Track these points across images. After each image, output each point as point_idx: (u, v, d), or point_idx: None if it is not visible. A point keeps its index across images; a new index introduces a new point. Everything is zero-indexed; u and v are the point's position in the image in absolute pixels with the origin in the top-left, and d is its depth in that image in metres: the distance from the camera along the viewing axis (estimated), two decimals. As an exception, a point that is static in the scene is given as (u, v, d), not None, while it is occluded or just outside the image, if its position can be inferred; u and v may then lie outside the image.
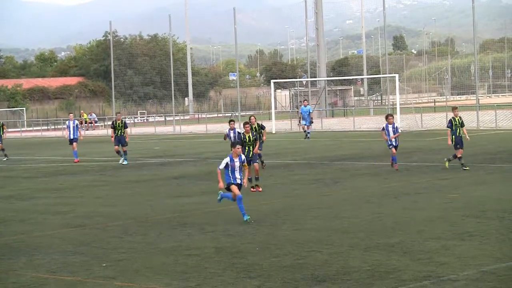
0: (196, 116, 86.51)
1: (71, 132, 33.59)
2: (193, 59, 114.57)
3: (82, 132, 40.54)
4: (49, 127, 79.92)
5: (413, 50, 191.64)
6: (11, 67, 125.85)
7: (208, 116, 77.27)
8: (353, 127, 51.52)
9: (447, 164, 23.38)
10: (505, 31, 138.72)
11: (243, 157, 15.40)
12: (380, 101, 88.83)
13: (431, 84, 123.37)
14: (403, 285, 9.83)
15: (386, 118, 24.33)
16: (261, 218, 15.34)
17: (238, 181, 15.28)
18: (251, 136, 20.67)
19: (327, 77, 77.12)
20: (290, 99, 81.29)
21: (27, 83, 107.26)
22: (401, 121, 46.85)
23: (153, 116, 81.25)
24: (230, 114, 69.33)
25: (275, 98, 58.83)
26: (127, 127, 31.07)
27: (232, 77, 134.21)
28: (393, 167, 23.76)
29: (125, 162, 30.33)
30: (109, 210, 17.87)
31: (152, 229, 14.88)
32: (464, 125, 23.83)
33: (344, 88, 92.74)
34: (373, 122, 54.45)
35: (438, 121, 50.89)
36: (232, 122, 25.57)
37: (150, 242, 13.47)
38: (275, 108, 57.54)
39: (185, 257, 12.04)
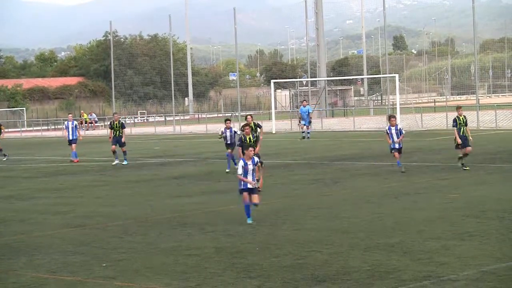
0: (196, 116, 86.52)
1: (70, 133, 33.55)
2: (193, 59, 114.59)
3: (82, 132, 40.57)
4: (49, 127, 79.93)
5: (413, 50, 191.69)
6: (11, 67, 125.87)
7: (208, 116, 77.28)
8: (353, 127, 51.52)
9: (465, 168, 22.94)
10: (505, 31, 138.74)
11: (256, 159, 15.28)
12: (380, 101, 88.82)
13: (431, 84, 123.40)
14: (403, 285, 9.82)
15: (389, 119, 23.81)
16: (261, 218, 15.34)
17: (250, 186, 15.05)
18: (251, 138, 20.66)
19: (327, 77, 77.12)
20: (290, 99, 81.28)
21: (27, 83, 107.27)
22: (401, 121, 46.78)
23: (153, 116, 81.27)
24: (230, 114, 69.30)
25: (275, 98, 58.83)
26: (124, 128, 31.08)
27: (232, 77, 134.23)
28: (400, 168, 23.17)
29: (125, 162, 30.34)
30: (109, 210, 17.88)
31: (152, 229, 14.88)
32: (467, 125, 23.64)
33: (344, 88, 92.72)
34: (373, 122, 54.46)
35: (438, 121, 50.89)
36: (228, 121, 25.70)
37: (150, 242, 13.47)
38: (275, 108, 57.54)
39: (185, 257, 12.04)
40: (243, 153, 20.80)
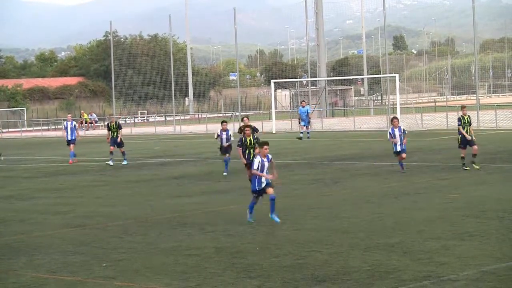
0: (196, 116, 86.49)
1: (69, 133, 33.46)
2: (193, 59, 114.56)
3: (82, 132, 40.56)
4: (49, 127, 79.91)
5: (413, 50, 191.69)
6: (11, 67, 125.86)
7: (208, 116, 77.25)
8: (353, 127, 51.51)
9: (477, 166, 22.72)
10: (505, 31, 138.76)
11: (270, 156, 15.24)
12: (380, 101, 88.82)
13: (431, 84, 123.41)
14: (403, 285, 9.83)
15: (391, 121, 23.51)
16: (261, 218, 15.34)
17: (263, 184, 15.00)
18: (252, 139, 20.62)
19: (327, 77, 77.09)
20: (290, 99, 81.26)
21: (27, 83, 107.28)
22: (402, 121, 46.69)
23: (153, 116, 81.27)
24: (230, 114, 69.30)
25: (275, 98, 58.81)
26: (121, 128, 31.05)
27: (232, 77, 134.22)
28: (403, 169, 22.94)
29: (124, 162, 30.36)
30: (109, 210, 17.88)
31: (152, 229, 14.88)
32: (471, 124, 23.59)
33: (344, 88, 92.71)
34: (374, 122, 54.46)
35: (439, 121, 50.87)
36: (224, 123, 25.48)
37: (150, 242, 13.47)
38: (275, 108, 57.53)
39: (185, 257, 12.04)
40: (244, 154, 20.86)
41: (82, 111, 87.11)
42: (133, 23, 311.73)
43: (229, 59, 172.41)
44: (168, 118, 78.42)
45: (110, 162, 29.98)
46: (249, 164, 20.48)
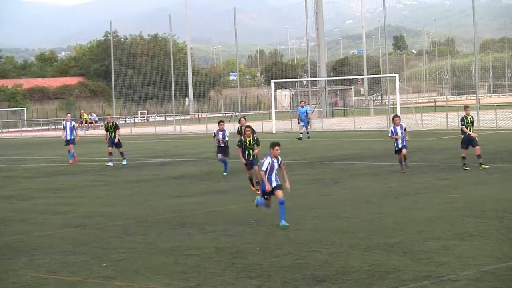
0: (196, 116, 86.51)
1: (68, 132, 33.32)
2: (193, 59, 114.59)
3: (82, 132, 40.54)
4: (49, 127, 79.92)
5: (413, 50, 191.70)
6: (11, 67, 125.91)
7: (208, 116, 77.26)
8: (353, 127, 51.52)
9: (485, 166, 22.67)
10: (505, 31, 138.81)
11: (280, 159, 14.82)
12: (380, 101, 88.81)
13: (431, 84, 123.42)
14: (403, 285, 9.83)
15: (393, 119, 23.45)
16: (261, 218, 15.34)
17: (274, 184, 14.66)
18: (251, 140, 20.56)
19: (328, 77, 77.09)
20: (290, 99, 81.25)
21: (27, 83, 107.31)
22: (402, 121, 46.75)
23: (153, 116, 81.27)
24: (231, 114, 69.36)
25: (275, 98, 58.82)
26: (118, 128, 30.98)
27: (232, 77, 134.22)
28: (403, 169, 22.92)
29: (124, 162, 30.35)
30: (109, 210, 17.88)
31: (152, 229, 14.88)
32: (473, 125, 23.60)
33: (344, 88, 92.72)
34: (374, 122, 54.47)
35: (439, 121, 50.88)
36: (221, 123, 25.41)
37: (150, 242, 13.47)
38: (276, 108, 57.54)
39: (185, 257, 12.04)
40: (243, 154, 20.83)
41: (82, 111, 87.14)
42: (133, 23, 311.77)
43: (229, 59, 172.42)
44: (168, 118, 78.43)
45: (110, 163, 29.96)
46: (249, 165, 20.54)
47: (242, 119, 24.78)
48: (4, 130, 76.14)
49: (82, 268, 11.66)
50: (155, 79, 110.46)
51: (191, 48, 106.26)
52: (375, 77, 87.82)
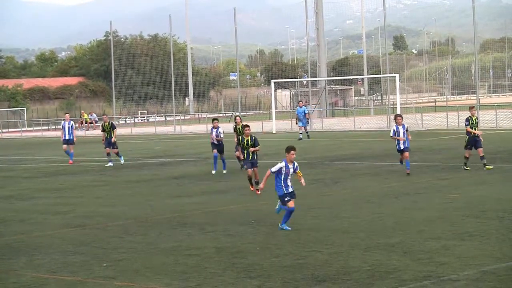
0: (197, 116, 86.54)
1: (66, 132, 33.24)
2: (193, 59, 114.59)
3: (82, 132, 40.51)
4: (49, 127, 79.93)
5: (413, 50, 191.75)
6: (12, 67, 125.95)
7: (208, 116, 77.22)
8: (353, 127, 51.51)
9: (490, 167, 22.65)
10: (505, 31, 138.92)
11: (296, 163, 14.42)
12: (380, 101, 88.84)
13: (432, 84, 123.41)
14: (403, 285, 9.82)
15: (395, 119, 23.21)
16: (261, 218, 15.34)
17: (290, 189, 14.37)
18: (249, 140, 20.55)
19: (328, 77, 77.08)
20: (290, 99, 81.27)
21: (27, 83, 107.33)
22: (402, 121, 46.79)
23: (153, 116, 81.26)
24: (231, 114, 69.36)
25: (275, 98, 58.81)
26: (115, 128, 30.94)
27: (232, 77, 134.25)
28: (402, 162, 22.73)
29: (122, 161, 30.45)
30: (109, 210, 17.87)
31: (152, 229, 14.88)
32: (478, 125, 23.54)
33: (344, 88, 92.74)
34: (374, 122, 54.47)
35: (439, 121, 50.87)
36: (215, 121, 25.84)
37: (150, 242, 13.47)
38: (276, 108, 57.54)
39: (185, 257, 12.04)
40: (243, 153, 20.84)
41: (82, 111, 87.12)
42: (133, 23, 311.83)
43: (229, 59, 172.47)
44: (168, 118, 78.44)
45: (110, 164, 29.96)
46: (251, 164, 20.53)
47: (238, 118, 25.00)
48: (4, 130, 76.14)
49: (82, 268, 11.66)
50: (155, 79, 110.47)
51: (191, 48, 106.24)
52: (375, 77, 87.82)
